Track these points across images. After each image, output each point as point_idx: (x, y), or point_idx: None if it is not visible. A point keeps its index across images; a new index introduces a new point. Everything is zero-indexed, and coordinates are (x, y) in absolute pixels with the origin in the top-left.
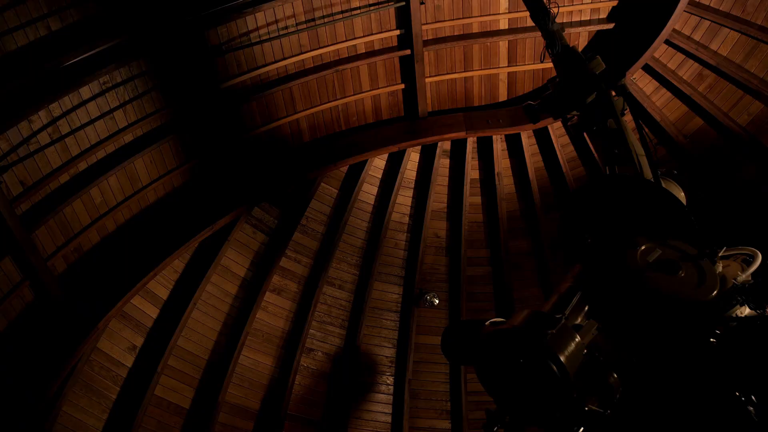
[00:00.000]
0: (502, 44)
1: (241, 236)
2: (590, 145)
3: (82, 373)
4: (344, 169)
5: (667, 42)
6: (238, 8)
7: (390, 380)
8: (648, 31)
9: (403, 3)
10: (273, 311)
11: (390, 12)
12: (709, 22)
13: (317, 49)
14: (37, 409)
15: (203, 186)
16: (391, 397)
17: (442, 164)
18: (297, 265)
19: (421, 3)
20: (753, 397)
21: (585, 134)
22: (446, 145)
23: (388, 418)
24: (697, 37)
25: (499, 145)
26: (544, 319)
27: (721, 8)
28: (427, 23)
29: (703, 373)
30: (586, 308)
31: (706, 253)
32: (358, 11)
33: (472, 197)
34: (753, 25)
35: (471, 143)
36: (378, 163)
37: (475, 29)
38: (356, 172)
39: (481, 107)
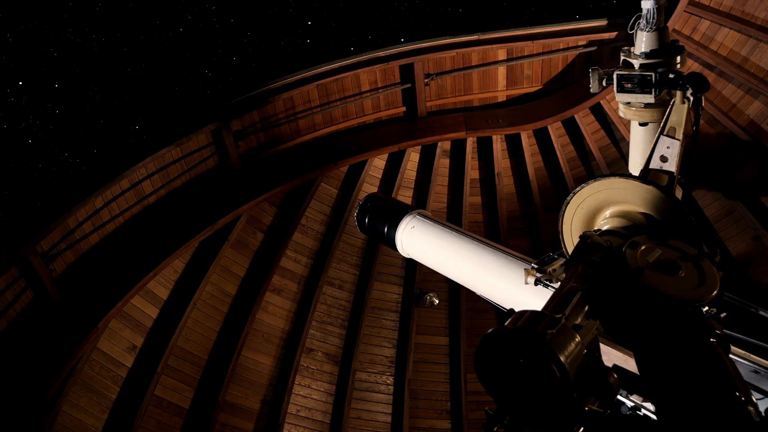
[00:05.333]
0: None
1: (241, 236)
2: (590, 145)
3: (82, 373)
4: (344, 169)
5: None
6: (259, 98)
7: (390, 380)
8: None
9: (409, 85)
10: (273, 311)
11: (397, 92)
12: (709, 22)
13: (330, 126)
14: (37, 409)
15: (203, 186)
16: (391, 397)
17: (441, 164)
18: (297, 265)
19: (426, 85)
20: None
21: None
22: (446, 145)
23: (388, 418)
24: (697, 37)
25: (498, 145)
26: (544, 319)
27: (721, 8)
28: (431, 100)
29: (703, 373)
30: (586, 308)
31: (706, 253)
32: (369, 94)
33: (472, 197)
34: (753, 25)
35: (471, 143)
36: (378, 163)
37: (476, 104)
38: (356, 172)
39: (480, 107)
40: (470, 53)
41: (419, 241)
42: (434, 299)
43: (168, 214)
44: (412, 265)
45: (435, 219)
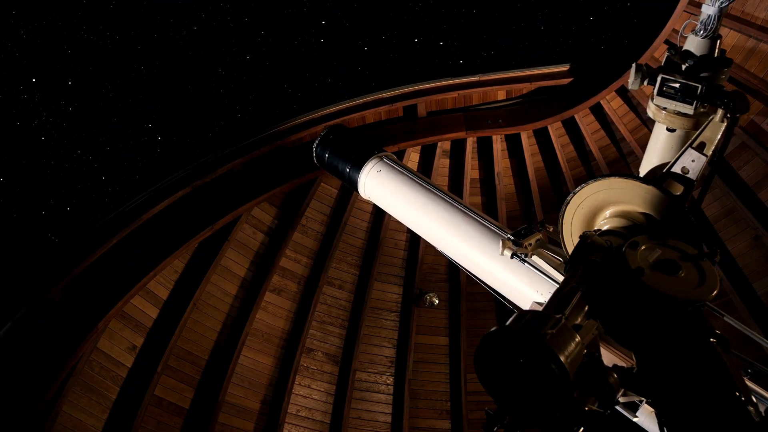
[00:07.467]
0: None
1: (241, 236)
2: (590, 145)
3: (82, 373)
4: None
5: (667, 42)
6: (268, 140)
7: (390, 380)
8: (647, 30)
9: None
10: (273, 311)
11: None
12: None
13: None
14: (37, 409)
15: (203, 186)
16: (391, 397)
17: (441, 164)
18: (297, 265)
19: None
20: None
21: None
22: (446, 145)
23: (388, 418)
24: None
25: (498, 145)
26: (544, 319)
27: None
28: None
29: (703, 373)
30: (586, 308)
31: (706, 253)
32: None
33: (472, 197)
34: (753, 25)
35: (471, 143)
36: None
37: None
38: None
39: (480, 107)
40: (471, 94)
41: (385, 188)
42: (434, 299)
43: (168, 213)
44: (412, 265)
45: (403, 165)
